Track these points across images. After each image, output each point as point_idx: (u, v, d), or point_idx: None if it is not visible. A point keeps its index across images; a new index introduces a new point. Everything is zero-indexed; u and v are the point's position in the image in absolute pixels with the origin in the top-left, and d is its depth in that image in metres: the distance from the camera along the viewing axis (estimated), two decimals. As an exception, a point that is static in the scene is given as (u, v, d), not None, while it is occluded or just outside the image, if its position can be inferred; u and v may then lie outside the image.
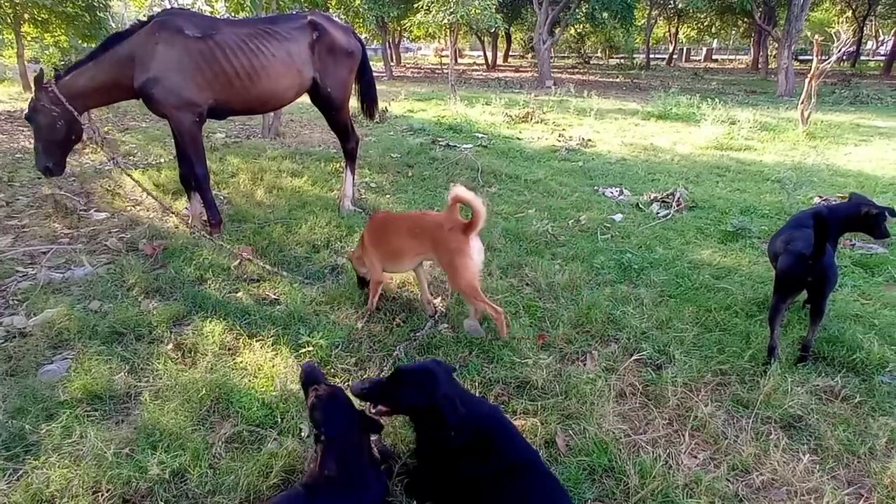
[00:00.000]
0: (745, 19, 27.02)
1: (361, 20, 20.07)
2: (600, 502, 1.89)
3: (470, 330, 2.83)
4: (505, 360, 2.61)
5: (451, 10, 12.63)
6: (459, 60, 33.52)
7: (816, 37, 8.93)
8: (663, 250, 4.05)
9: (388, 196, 5.22)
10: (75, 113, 3.67)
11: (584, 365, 2.65)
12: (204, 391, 2.31)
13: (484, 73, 26.59)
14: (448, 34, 18.91)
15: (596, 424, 2.19)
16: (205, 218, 4.13)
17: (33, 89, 3.67)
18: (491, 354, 2.67)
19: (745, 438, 2.18)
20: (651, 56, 33.97)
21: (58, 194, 4.58)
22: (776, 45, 19.74)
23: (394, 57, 30.80)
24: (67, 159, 3.95)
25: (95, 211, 4.61)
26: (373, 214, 3.59)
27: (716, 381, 2.53)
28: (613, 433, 2.17)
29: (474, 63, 35.68)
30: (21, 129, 8.21)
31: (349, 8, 20.44)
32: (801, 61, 24.68)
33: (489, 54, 32.24)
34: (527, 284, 3.45)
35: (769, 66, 26.04)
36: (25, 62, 14.18)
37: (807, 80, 8.85)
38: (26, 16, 13.04)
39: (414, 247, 2.81)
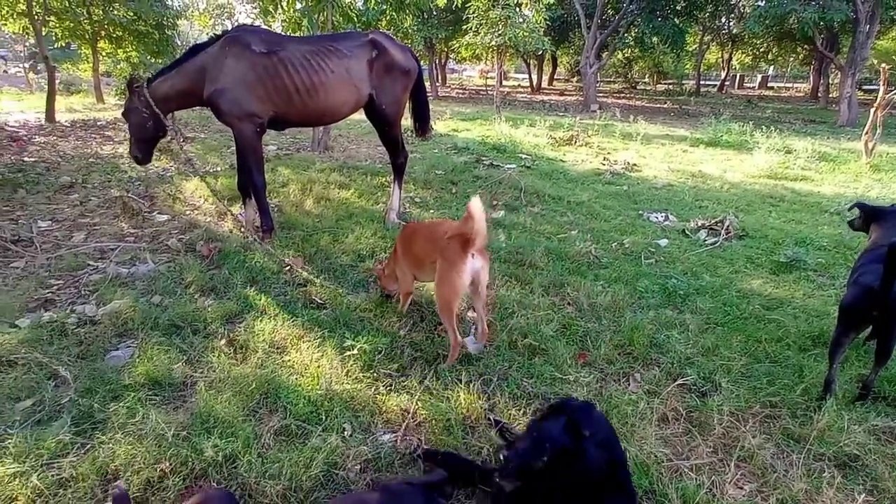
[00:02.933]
0: (806, 46, 26.29)
1: (410, 41, 20.64)
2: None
3: (467, 344, 2.83)
4: (545, 375, 2.64)
5: (500, 32, 12.88)
6: (504, 82, 33.95)
7: (884, 66, 8.63)
8: (710, 277, 3.98)
9: (431, 211, 5.34)
10: (161, 115, 4.02)
11: (627, 386, 2.65)
12: (254, 385, 2.44)
13: (528, 96, 26.80)
14: (495, 56, 19.23)
15: (637, 446, 2.19)
16: (257, 224, 4.34)
17: (128, 92, 4.08)
18: (531, 370, 2.70)
19: (795, 473, 2.13)
20: (702, 82, 33.40)
21: (125, 197, 4.90)
22: (838, 74, 19.13)
23: (440, 77, 31.45)
24: (134, 165, 4.26)
25: (158, 213, 4.90)
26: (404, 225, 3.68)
27: (765, 412, 2.47)
28: (655, 456, 2.16)
29: (519, 85, 36.02)
30: (94, 136, 8.83)
31: (399, 28, 21.13)
32: (866, 91, 23.78)
33: (534, 77, 32.49)
34: (568, 303, 3.46)
35: (829, 95, 25.21)
36: (99, 76, 15.26)
37: (872, 111, 8.55)
38: (103, 33, 14.08)
39: (429, 253, 2.77)
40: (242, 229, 4.43)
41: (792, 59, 33.97)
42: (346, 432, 2.22)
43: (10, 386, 2.47)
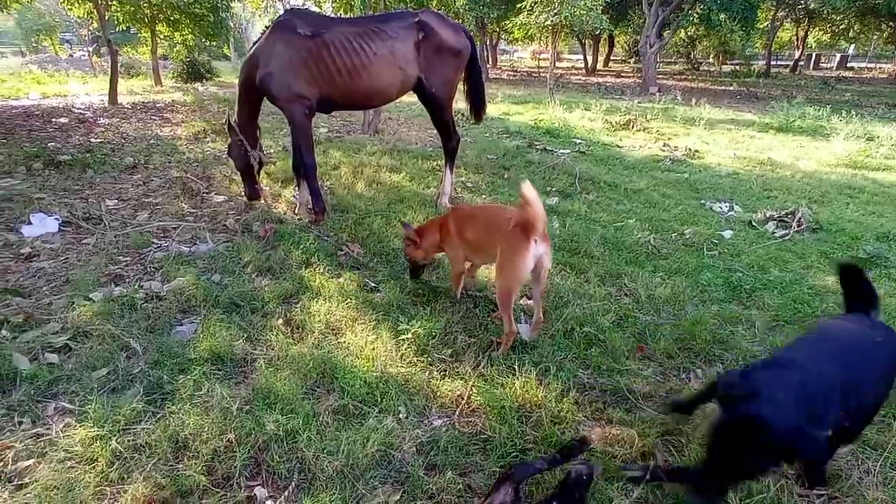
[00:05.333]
0: (891, 23, 24.42)
1: (461, 20, 20.51)
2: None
3: (521, 332, 2.84)
4: (602, 366, 2.63)
5: (556, 10, 12.60)
6: (558, 64, 33.19)
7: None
8: (779, 272, 3.83)
9: (483, 196, 5.34)
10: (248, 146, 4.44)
11: (688, 382, 2.60)
12: (311, 364, 2.55)
13: (583, 78, 26.14)
14: (549, 36, 18.81)
15: (699, 443, 2.15)
16: (310, 206, 4.47)
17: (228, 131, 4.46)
18: (588, 360, 2.70)
19: (870, 481, 2.05)
20: (772, 62, 31.53)
21: (185, 177, 5.15)
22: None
23: (490, 58, 31.09)
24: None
25: (216, 194, 5.12)
26: (453, 206, 3.66)
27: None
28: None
29: (573, 67, 35.15)
30: (153, 118, 9.27)
31: (449, 8, 20.98)
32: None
33: (589, 58, 31.61)
34: (625, 294, 3.42)
35: (918, 77, 23.34)
36: (157, 58, 15.95)
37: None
38: (161, 16, 14.68)
39: (491, 240, 2.79)
40: (297, 211, 4.56)
41: (875, 37, 31.62)
42: (401, 415, 2.30)
43: (87, 355, 2.67)
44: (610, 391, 2.50)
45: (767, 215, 5.01)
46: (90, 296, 3.20)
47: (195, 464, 2.02)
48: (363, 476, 1.98)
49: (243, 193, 4.71)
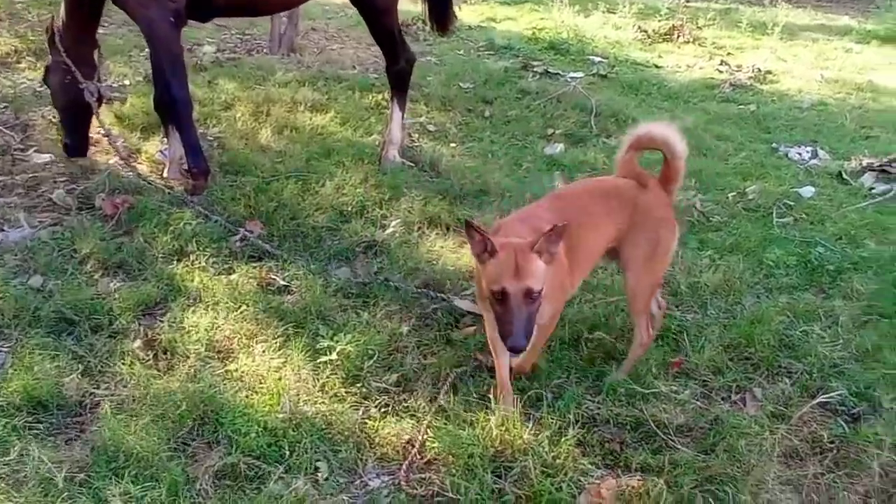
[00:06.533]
0: None
1: None
2: None
3: None
4: (619, 390, 2.69)
5: None
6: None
7: None
8: (877, 245, 3.99)
9: (454, 145, 5.36)
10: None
11: (742, 407, 2.69)
12: (184, 406, 2.52)
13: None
14: None
15: (751, 493, 2.24)
16: (185, 166, 4.41)
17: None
18: (598, 382, 2.76)
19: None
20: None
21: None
22: None
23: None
24: None
25: (36, 151, 4.99)
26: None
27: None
28: (778, 508, 2.21)
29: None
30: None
31: None
32: None
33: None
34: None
35: None
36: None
37: None
38: None
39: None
40: (165, 174, 4.50)
41: None
42: (320, 474, 2.31)
43: None
44: (630, 425, 2.57)
45: (864, 164, 5.18)
46: None
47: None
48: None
49: (62, 144, 4.61)
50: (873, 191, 4.82)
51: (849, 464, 2.43)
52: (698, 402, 2.69)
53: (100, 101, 4.54)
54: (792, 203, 4.51)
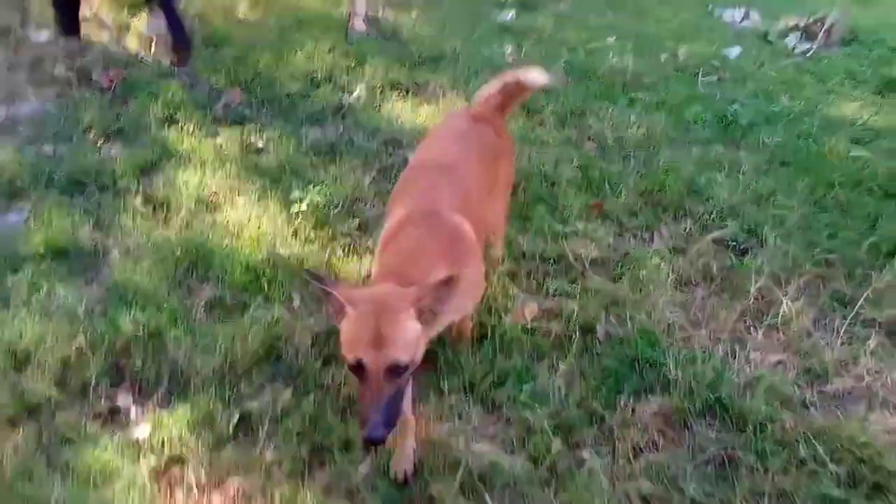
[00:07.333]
0: None
1: None
2: (637, 395, 2.21)
3: None
4: (545, 229, 2.86)
5: None
6: None
7: None
8: (789, 101, 4.05)
9: (415, 14, 5.24)
10: None
11: (650, 245, 2.87)
12: (180, 251, 2.69)
13: None
14: None
15: (646, 313, 2.47)
16: (169, 40, 4.33)
17: None
18: (527, 222, 2.92)
19: (833, 341, 2.40)
20: None
21: (-14, 4, 4.85)
22: None
23: None
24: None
25: (36, 29, 4.86)
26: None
27: (815, 272, 2.70)
28: (668, 324, 2.45)
29: None
30: None
31: None
32: None
33: None
34: (589, 138, 3.60)
35: None
36: None
37: None
38: None
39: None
40: (151, 49, 4.44)
41: None
42: (294, 303, 2.52)
43: None
44: (553, 259, 2.75)
45: (790, 25, 5.11)
46: None
47: (41, 376, 2.23)
48: (246, 375, 2.24)
49: (57, 24, 4.48)
50: (795, 51, 4.81)
51: (731, 288, 2.63)
52: (612, 240, 2.87)
53: None
54: (717, 64, 4.52)
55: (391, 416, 1.56)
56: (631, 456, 2.03)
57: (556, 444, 2.04)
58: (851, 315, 2.49)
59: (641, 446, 2.07)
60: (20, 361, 2.30)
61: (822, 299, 2.60)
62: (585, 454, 2.02)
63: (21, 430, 2.09)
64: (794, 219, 2.98)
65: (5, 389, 2.20)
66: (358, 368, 1.55)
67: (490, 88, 2.57)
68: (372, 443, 1.58)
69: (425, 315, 1.60)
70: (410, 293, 1.61)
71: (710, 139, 3.62)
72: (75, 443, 2.05)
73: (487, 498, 1.90)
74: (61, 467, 1.98)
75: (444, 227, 1.94)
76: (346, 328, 1.60)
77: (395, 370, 1.55)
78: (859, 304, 2.51)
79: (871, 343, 2.39)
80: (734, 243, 2.88)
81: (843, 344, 2.39)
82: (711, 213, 3.03)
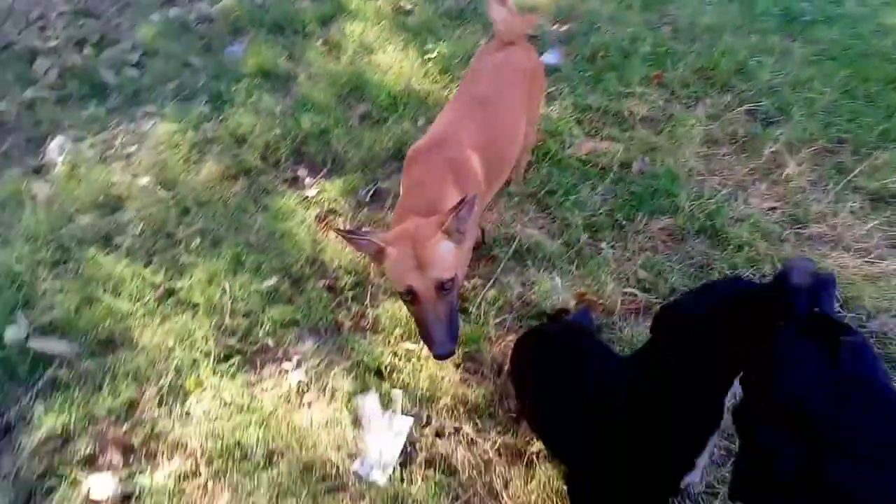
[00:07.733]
0: None
1: None
2: (651, 214, 2.30)
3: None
4: (610, 89, 2.82)
5: None
6: None
7: None
8: (854, 6, 3.50)
9: None
10: None
11: (693, 110, 2.76)
12: (345, 79, 2.93)
13: None
14: None
15: (674, 159, 2.48)
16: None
17: None
18: (599, 84, 2.87)
19: (823, 198, 2.33)
20: None
21: None
22: None
23: None
24: None
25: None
26: None
27: (826, 146, 2.54)
28: (688, 168, 2.46)
29: None
30: None
31: None
32: None
33: None
34: (666, 23, 3.34)
35: None
36: None
37: None
38: None
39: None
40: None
41: None
42: (418, 122, 2.71)
43: (158, 71, 3.19)
44: (612, 113, 2.73)
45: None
46: (150, 17, 3.58)
47: (252, 152, 2.62)
48: (381, 166, 2.52)
49: None
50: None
51: (750, 150, 2.55)
52: (662, 103, 2.78)
53: None
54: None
55: (453, 331, 1.45)
56: (636, 252, 2.19)
57: (584, 236, 2.22)
58: (845, 181, 2.37)
59: (646, 248, 2.21)
60: (239, 141, 2.69)
61: (825, 168, 2.47)
62: (603, 245, 2.20)
63: (239, 182, 2.52)
64: (823, 102, 2.73)
65: (230, 158, 2.61)
66: (411, 295, 1.42)
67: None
68: (444, 357, 1.46)
69: (454, 236, 1.44)
70: (434, 220, 1.45)
71: (770, 30, 3.25)
72: (270, 193, 2.46)
73: (529, 262, 2.14)
74: (261, 207, 2.41)
75: (446, 158, 1.69)
76: (390, 265, 1.44)
77: (442, 287, 1.41)
78: (854, 173, 2.39)
79: (855, 204, 2.31)
80: (763, 116, 2.71)
81: (830, 203, 2.32)
82: (751, 90, 2.83)
